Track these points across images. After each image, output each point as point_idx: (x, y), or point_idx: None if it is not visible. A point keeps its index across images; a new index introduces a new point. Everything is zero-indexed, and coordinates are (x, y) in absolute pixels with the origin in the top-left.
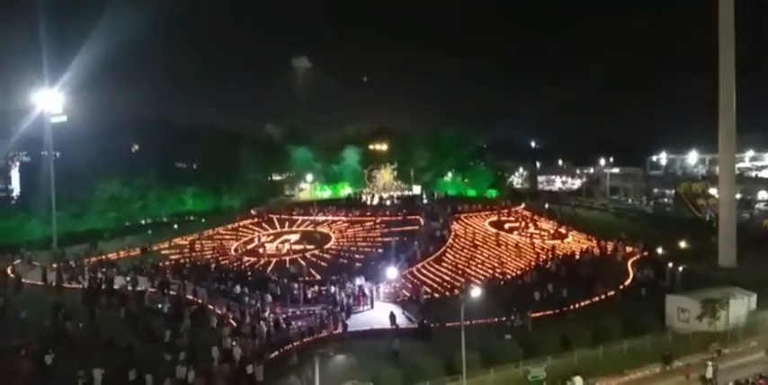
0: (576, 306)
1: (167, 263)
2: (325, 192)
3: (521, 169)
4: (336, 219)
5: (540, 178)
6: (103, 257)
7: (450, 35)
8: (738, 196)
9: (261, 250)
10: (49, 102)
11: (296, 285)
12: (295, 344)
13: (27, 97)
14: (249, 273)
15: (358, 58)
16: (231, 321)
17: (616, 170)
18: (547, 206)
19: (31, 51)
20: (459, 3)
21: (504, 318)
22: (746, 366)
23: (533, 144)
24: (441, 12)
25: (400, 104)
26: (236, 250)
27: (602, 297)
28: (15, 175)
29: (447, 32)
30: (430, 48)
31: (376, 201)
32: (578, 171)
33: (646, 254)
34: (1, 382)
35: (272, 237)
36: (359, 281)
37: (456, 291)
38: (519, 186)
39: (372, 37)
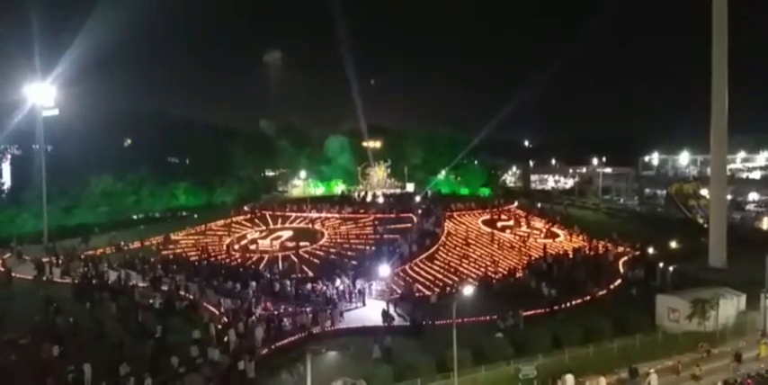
0: (568, 305)
1: (159, 257)
2: (319, 189)
3: (514, 168)
4: (329, 216)
5: (533, 177)
6: (94, 252)
7: (447, 34)
8: (729, 197)
9: (253, 246)
10: (41, 95)
11: (288, 282)
12: (287, 340)
13: (19, 90)
14: (241, 270)
15: (357, 56)
16: (223, 317)
17: (608, 170)
18: (539, 205)
19: (24, 44)
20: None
21: (495, 317)
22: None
23: (527, 143)
24: (437, 10)
25: (395, 101)
26: (228, 246)
27: (593, 296)
28: (6, 169)
29: (443, 31)
30: (427, 46)
31: (369, 198)
32: (571, 170)
33: (637, 253)
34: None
35: (264, 234)
36: (338, 283)
37: (448, 289)
38: (512, 185)
39: (370, 36)
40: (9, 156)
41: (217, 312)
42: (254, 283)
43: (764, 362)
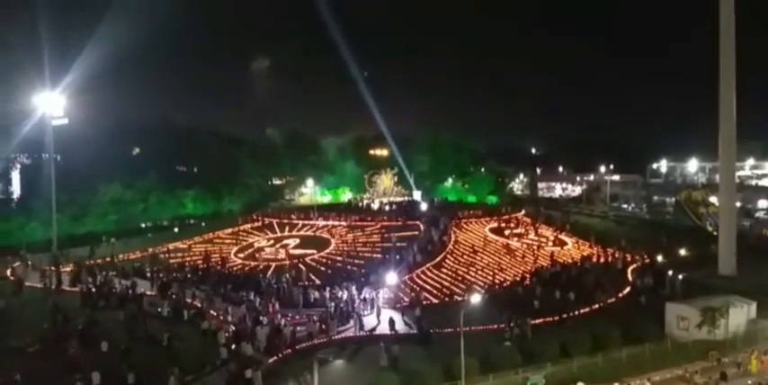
0: (576, 313)
1: (167, 266)
2: (326, 197)
3: (521, 175)
4: (336, 224)
5: (541, 185)
6: (102, 260)
7: (452, 42)
8: (739, 204)
9: (259, 254)
10: (51, 104)
11: (295, 289)
12: (294, 348)
13: (28, 99)
14: (249, 278)
15: (360, 63)
16: (230, 325)
17: (616, 177)
18: (547, 213)
19: (33, 53)
20: (459, 9)
21: (503, 325)
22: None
23: (534, 150)
24: (442, 20)
25: (401, 109)
26: (235, 254)
27: (602, 304)
28: (16, 178)
29: (448, 39)
30: (431, 55)
31: (376, 206)
32: (578, 178)
33: (646, 261)
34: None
35: (271, 242)
36: (344, 291)
37: (455, 298)
38: (519, 193)
39: (374, 42)
40: (19, 165)
41: (224, 320)
42: (261, 291)
43: (753, 378)
